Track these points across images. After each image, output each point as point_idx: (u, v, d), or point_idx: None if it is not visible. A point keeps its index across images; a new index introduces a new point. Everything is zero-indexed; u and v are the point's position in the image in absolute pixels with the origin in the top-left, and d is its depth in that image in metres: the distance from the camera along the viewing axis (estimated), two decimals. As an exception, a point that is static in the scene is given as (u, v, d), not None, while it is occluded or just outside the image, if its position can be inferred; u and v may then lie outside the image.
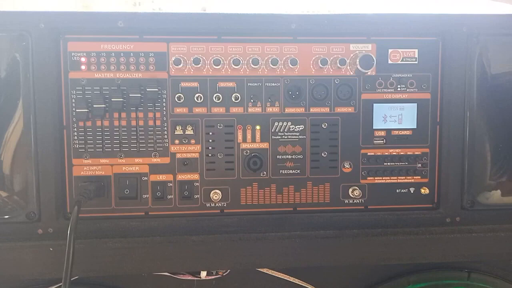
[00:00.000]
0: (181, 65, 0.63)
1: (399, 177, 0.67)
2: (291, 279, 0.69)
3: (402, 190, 0.67)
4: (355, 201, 0.67)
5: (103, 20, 0.62)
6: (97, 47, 0.63)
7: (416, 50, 0.65)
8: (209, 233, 0.65)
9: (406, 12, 0.66)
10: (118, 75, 0.63)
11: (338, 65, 0.64)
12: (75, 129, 0.63)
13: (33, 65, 0.61)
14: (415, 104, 0.66)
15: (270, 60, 0.63)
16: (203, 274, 0.65)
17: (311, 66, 0.65)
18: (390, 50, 0.65)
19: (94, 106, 0.62)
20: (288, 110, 0.65)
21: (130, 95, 0.62)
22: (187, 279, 0.67)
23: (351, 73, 0.65)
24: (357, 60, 0.63)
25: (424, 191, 0.67)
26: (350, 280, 0.74)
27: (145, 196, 0.65)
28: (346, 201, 0.67)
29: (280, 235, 0.65)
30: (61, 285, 0.54)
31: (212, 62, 0.63)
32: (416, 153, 0.67)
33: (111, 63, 0.63)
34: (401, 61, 0.65)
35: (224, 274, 0.67)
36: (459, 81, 0.65)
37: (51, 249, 0.61)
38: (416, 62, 0.65)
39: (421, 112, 0.66)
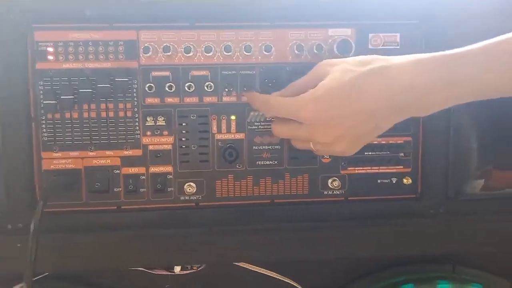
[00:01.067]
0: (151, 53, 0.60)
1: (380, 167, 0.64)
2: (269, 272, 0.68)
3: (383, 181, 0.65)
4: (334, 192, 0.64)
5: (69, 8, 0.60)
6: (64, 36, 0.60)
7: (398, 34, 0.63)
8: (184, 227, 0.63)
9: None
10: (86, 65, 0.61)
11: (315, 51, 0.61)
12: (44, 122, 0.61)
13: (-1, 55, 0.59)
14: (397, 91, 0.63)
15: (244, 47, 0.61)
16: (177, 268, 0.64)
17: (288, 53, 0.62)
18: (370, 35, 0.62)
19: (62, 97, 0.60)
20: (264, 99, 0.63)
21: (98, 85, 0.60)
22: (161, 274, 0.66)
23: (330, 57, 0.62)
24: (334, 46, 0.60)
25: (407, 181, 0.64)
26: (331, 274, 0.72)
27: (117, 189, 0.63)
28: (326, 192, 0.64)
29: (258, 228, 0.64)
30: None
31: (183, 50, 0.61)
32: (398, 142, 0.64)
33: (79, 53, 0.61)
34: (382, 46, 0.63)
35: (198, 269, 0.66)
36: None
37: (18, 244, 0.59)
38: (398, 47, 0.63)
39: (403, 99, 0.63)
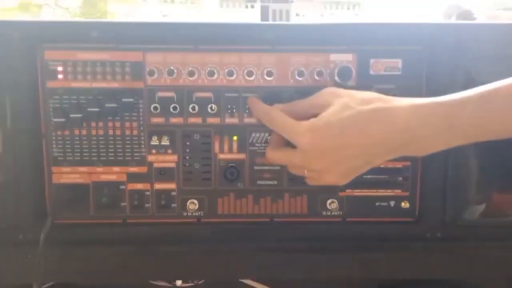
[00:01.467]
0: (157, 75, 0.62)
1: (379, 190, 0.65)
2: (266, 288, 0.70)
3: (381, 203, 0.66)
4: (333, 213, 0.66)
5: (77, 28, 0.62)
6: (73, 56, 0.63)
7: (400, 60, 0.63)
8: (186, 242, 0.65)
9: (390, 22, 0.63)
10: (94, 84, 0.63)
11: (316, 77, 0.62)
12: (54, 138, 0.64)
13: (10, 73, 0.61)
14: (397, 116, 0.63)
15: (246, 72, 0.62)
16: (178, 282, 0.66)
17: (290, 77, 0.63)
18: (372, 60, 0.63)
19: (71, 116, 0.63)
20: (266, 121, 0.64)
21: (106, 104, 0.63)
22: (163, 285, 0.69)
23: (331, 84, 0.63)
24: (335, 72, 0.61)
25: (405, 204, 0.65)
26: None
27: (123, 204, 0.65)
28: (324, 213, 0.66)
29: (257, 245, 0.65)
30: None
31: (188, 72, 0.62)
32: (397, 166, 0.65)
33: (88, 73, 0.63)
34: (383, 71, 0.63)
35: (199, 282, 0.68)
36: (445, 90, 0.62)
37: (29, 256, 0.62)
38: (400, 73, 0.63)
39: (403, 124, 0.64)
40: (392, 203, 0.66)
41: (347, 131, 0.52)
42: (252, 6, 0.96)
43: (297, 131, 0.55)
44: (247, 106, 0.63)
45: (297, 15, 0.96)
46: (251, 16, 0.96)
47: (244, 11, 1.00)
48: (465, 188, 0.64)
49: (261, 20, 0.82)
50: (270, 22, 0.81)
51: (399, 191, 0.65)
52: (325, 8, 1.04)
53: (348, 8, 1.04)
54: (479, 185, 0.63)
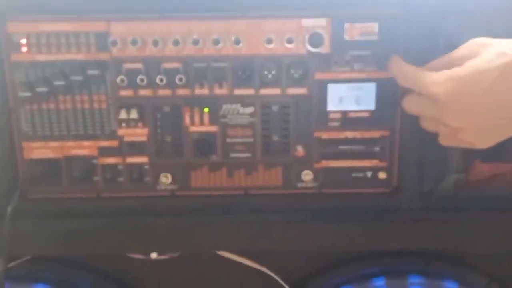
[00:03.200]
0: (121, 46, 0.60)
1: (355, 161, 0.63)
2: (244, 260, 0.69)
3: (358, 175, 0.64)
4: (308, 185, 0.64)
5: (38, -1, 0.60)
6: (36, 27, 0.60)
7: (376, 24, 0.59)
8: (160, 215, 0.65)
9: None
10: (59, 57, 0.61)
11: (286, 44, 0.59)
12: (22, 112, 0.63)
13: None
14: (374, 84, 0.61)
15: (213, 40, 0.59)
16: (154, 254, 0.66)
17: (260, 45, 0.60)
18: (346, 25, 0.59)
19: (37, 90, 0.61)
20: (237, 91, 0.62)
21: (71, 78, 0.61)
22: (138, 258, 0.69)
23: (303, 51, 0.60)
24: (306, 38, 0.58)
25: (382, 175, 0.63)
26: (305, 263, 0.73)
27: (96, 178, 0.65)
28: (299, 185, 0.64)
29: (232, 218, 0.65)
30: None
31: (153, 42, 0.60)
32: (374, 136, 0.63)
33: (52, 45, 0.61)
34: (358, 36, 0.59)
35: (175, 255, 0.68)
36: (424, 58, 0.58)
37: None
38: (376, 38, 0.59)
39: (380, 92, 0.61)
40: (369, 174, 0.64)
41: (501, 84, 0.43)
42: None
43: (433, 81, 0.47)
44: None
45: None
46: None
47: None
48: (443, 158, 0.61)
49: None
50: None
51: (377, 161, 0.63)
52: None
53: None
54: (457, 155, 0.61)
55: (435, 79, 0.47)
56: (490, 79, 0.44)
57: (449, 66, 0.48)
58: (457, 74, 0.46)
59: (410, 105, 0.54)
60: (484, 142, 0.49)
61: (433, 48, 0.57)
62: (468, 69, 0.46)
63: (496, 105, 0.45)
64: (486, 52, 0.45)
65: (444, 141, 0.53)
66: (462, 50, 0.50)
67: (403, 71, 0.54)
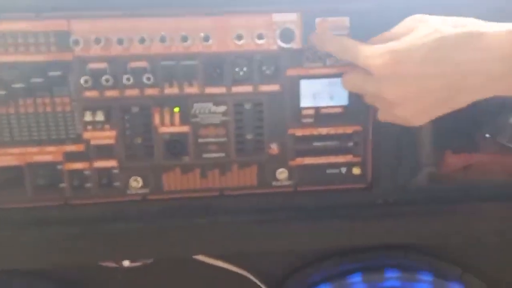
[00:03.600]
0: (83, 45, 0.57)
1: (329, 157, 0.63)
2: (219, 263, 0.68)
3: (333, 171, 0.63)
4: (283, 183, 0.63)
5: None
6: (-9, 27, 0.57)
7: (348, 18, 0.59)
8: (132, 221, 0.63)
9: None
10: (17, 58, 0.58)
11: (257, 40, 0.57)
12: (-21, 118, 0.59)
13: None
14: (347, 79, 0.60)
15: (181, 37, 0.57)
16: (126, 262, 0.64)
17: (230, 41, 0.58)
18: (317, 20, 0.58)
19: (-5, 93, 0.58)
20: (208, 90, 0.60)
21: (31, 80, 0.58)
22: (110, 266, 0.66)
23: (274, 47, 0.59)
24: (276, 34, 0.56)
25: (356, 170, 0.63)
26: (281, 263, 0.72)
27: (62, 185, 0.62)
28: (274, 183, 0.63)
29: (207, 220, 0.63)
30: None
31: (117, 40, 0.57)
32: (347, 131, 0.62)
33: (9, 45, 0.57)
34: (330, 31, 0.59)
35: (148, 262, 0.66)
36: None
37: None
38: (347, 32, 0.59)
39: (353, 87, 0.60)
40: (343, 170, 0.63)
41: (434, 56, 0.45)
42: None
43: (371, 53, 0.49)
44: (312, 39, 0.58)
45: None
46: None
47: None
48: (417, 152, 0.62)
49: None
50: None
51: (351, 156, 0.63)
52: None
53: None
54: (431, 149, 0.61)
55: (373, 52, 0.49)
56: (424, 52, 0.46)
57: (388, 41, 0.50)
58: (393, 47, 0.48)
59: (349, 82, 0.55)
60: (418, 118, 0.51)
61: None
62: (404, 43, 0.48)
63: (430, 77, 0.46)
64: (421, 28, 0.48)
65: (381, 116, 0.54)
66: (400, 26, 0.52)
67: (343, 44, 0.55)
